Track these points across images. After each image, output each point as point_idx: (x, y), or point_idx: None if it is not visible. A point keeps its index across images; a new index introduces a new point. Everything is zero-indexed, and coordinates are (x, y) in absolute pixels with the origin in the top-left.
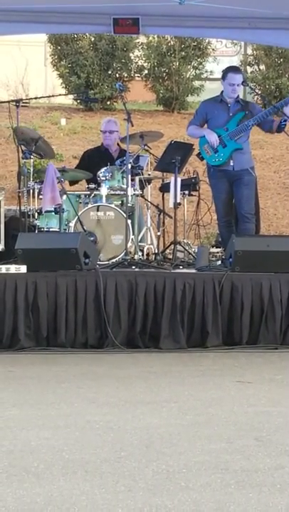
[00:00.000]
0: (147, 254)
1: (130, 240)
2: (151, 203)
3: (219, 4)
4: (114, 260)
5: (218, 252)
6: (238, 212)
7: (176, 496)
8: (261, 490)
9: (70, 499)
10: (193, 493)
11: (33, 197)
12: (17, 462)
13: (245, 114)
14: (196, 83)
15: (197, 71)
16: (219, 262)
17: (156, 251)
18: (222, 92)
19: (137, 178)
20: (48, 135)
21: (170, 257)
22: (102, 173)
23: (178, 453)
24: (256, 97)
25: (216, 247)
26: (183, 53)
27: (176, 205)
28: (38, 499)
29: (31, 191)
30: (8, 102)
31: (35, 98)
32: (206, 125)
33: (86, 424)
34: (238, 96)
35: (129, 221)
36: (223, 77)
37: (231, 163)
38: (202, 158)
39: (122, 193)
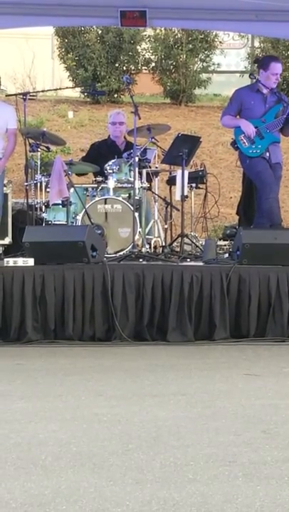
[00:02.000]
0: (155, 247)
1: (137, 233)
2: (158, 196)
3: None
4: (121, 253)
5: (225, 245)
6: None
7: (184, 489)
8: (269, 482)
9: (78, 491)
10: (200, 486)
11: (41, 190)
12: (25, 455)
13: (283, 106)
14: (204, 76)
15: (204, 64)
16: (226, 255)
17: (164, 244)
18: (257, 81)
19: (144, 171)
20: (55, 128)
21: (177, 249)
22: (109, 165)
23: (185, 445)
24: None
25: (224, 240)
26: (190, 46)
27: (184, 197)
28: (45, 491)
29: (38, 184)
30: (16, 95)
31: (43, 91)
32: (238, 116)
33: (94, 416)
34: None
35: (136, 214)
36: (264, 67)
37: (267, 155)
38: (237, 148)
39: (129, 185)
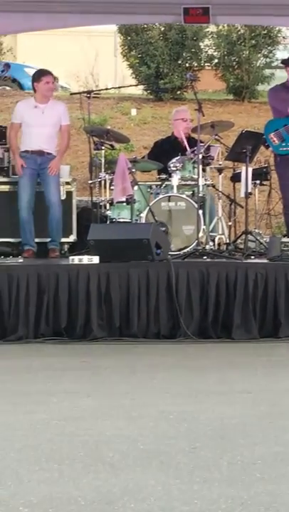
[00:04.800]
0: (219, 244)
1: (201, 230)
2: (222, 193)
3: None
4: (185, 250)
5: None
6: None
7: (252, 488)
8: None
9: (146, 489)
10: (268, 485)
11: (105, 188)
12: (92, 452)
13: None
14: (267, 72)
15: (267, 59)
16: None
17: (228, 241)
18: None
19: (208, 168)
20: (118, 125)
21: (241, 246)
22: (172, 163)
23: (253, 444)
24: None
25: (288, 237)
26: (253, 42)
27: (248, 194)
28: (114, 489)
29: (103, 182)
30: (80, 93)
31: (106, 89)
32: None
33: (160, 414)
34: None
35: (200, 211)
36: None
37: None
38: (268, 147)
39: (193, 183)
